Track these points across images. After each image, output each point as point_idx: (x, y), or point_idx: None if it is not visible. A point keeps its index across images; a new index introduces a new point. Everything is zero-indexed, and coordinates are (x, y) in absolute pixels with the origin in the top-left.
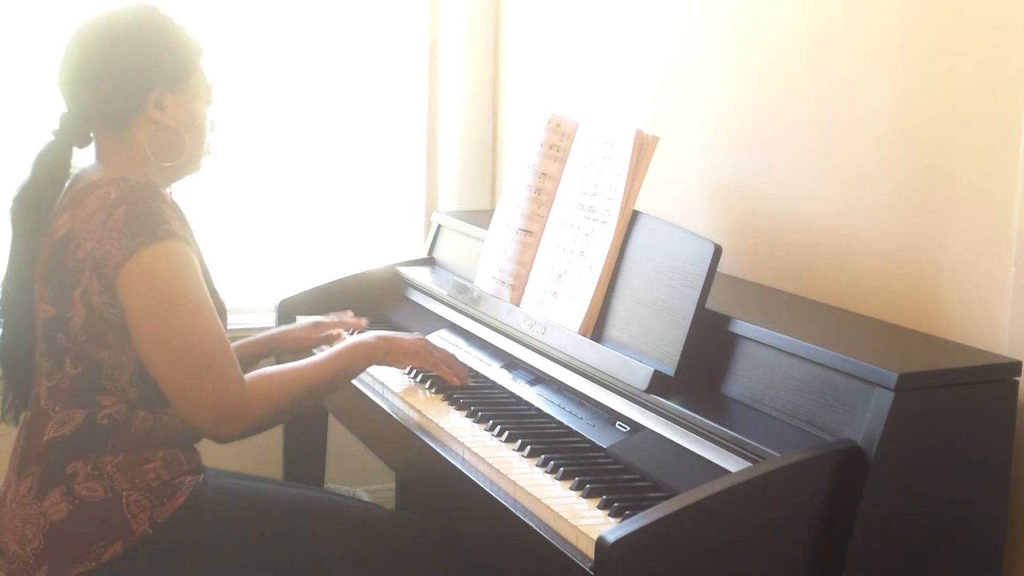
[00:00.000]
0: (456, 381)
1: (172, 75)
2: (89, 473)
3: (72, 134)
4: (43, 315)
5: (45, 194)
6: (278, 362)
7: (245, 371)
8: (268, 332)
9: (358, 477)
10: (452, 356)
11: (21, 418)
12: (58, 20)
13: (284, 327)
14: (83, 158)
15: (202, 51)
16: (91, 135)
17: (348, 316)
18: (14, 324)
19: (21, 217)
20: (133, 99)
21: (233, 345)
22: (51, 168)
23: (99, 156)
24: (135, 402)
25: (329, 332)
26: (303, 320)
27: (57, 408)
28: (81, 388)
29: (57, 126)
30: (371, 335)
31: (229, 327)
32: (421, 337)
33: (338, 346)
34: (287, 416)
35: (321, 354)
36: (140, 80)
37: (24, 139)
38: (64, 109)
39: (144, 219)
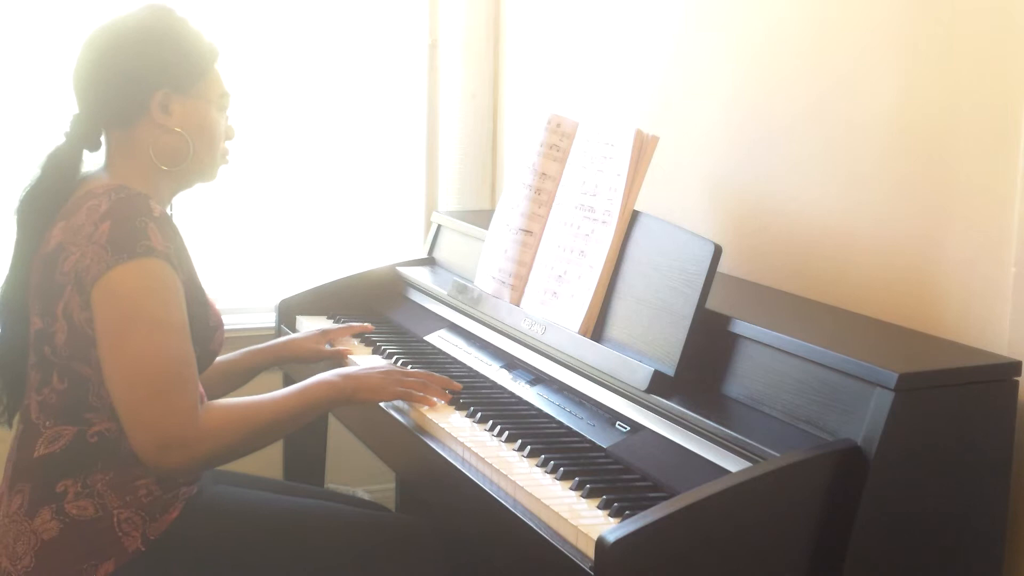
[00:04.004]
0: (433, 402)
1: (179, 78)
2: (79, 491)
3: (82, 136)
4: (34, 326)
5: (52, 196)
6: (284, 377)
7: (246, 381)
8: (274, 341)
9: (358, 477)
10: (426, 376)
11: (15, 423)
12: (74, 21)
13: (290, 336)
14: (94, 161)
15: (216, 55)
16: (101, 138)
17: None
18: (10, 329)
19: (26, 218)
20: (138, 100)
21: (238, 353)
22: (60, 169)
23: (107, 159)
24: None
25: (338, 348)
26: (308, 327)
27: (47, 424)
28: (69, 404)
29: (68, 127)
30: (336, 374)
31: (229, 328)
32: (388, 368)
33: (301, 384)
34: (241, 453)
35: (284, 390)
36: (144, 81)
37: (34, 139)
38: (76, 111)
39: (126, 235)
